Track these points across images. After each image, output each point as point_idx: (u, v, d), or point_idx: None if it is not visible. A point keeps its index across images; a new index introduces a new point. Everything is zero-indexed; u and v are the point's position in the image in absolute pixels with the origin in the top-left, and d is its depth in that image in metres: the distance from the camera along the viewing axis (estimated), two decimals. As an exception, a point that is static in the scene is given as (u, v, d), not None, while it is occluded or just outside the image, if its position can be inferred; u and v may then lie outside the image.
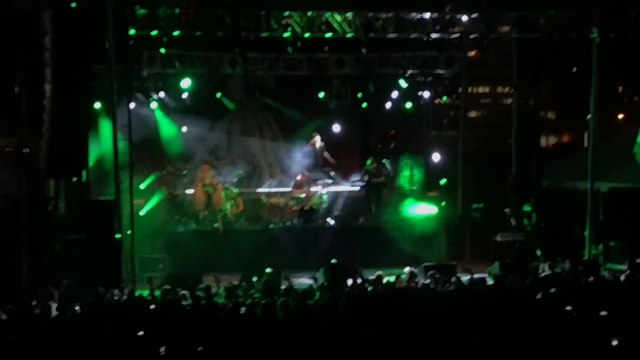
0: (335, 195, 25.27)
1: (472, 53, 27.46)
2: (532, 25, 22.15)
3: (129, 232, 20.13)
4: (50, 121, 18.38)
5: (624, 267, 19.04)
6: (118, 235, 20.01)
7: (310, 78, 24.56)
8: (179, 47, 22.51)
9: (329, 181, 25.09)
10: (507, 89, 34.79)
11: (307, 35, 21.56)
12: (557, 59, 29.07)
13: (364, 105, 25.96)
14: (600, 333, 11.38)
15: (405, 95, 25.65)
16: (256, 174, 26.56)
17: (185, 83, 23.36)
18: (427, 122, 27.75)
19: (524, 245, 22.88)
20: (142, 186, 23.52)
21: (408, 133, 28.01)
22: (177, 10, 20.60)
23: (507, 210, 24.11)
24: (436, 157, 26.20)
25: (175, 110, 24.64)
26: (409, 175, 25.21)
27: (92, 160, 21.28)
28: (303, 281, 19.20)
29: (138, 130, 21.62)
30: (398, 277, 18.01)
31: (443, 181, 25.20)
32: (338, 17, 21.68)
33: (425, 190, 24.91)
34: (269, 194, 25.34)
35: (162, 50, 22.20)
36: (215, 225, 23.37)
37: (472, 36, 22.45)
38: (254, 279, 17.81)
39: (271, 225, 23.98)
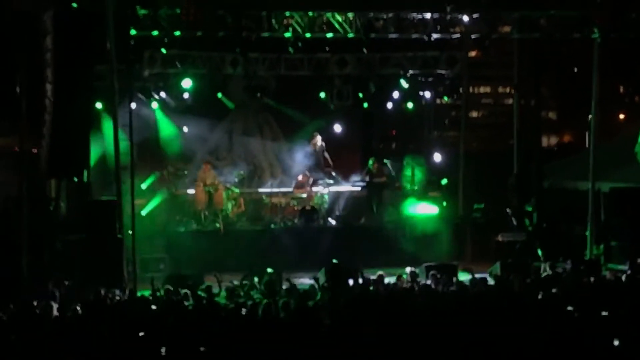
0: (337, 195, 25.25)
1: (473, 53, 27.48)
2: (533, 25, 22.13)
3: (130, 232, 20.12)
4: (51, 121, 18.35)
5: (625, 267, 19.03)
6: (119, 235, 20.01)
7: (312, 78, 24.57)
8: (180, 48, 22.50)
9: (330, 181, 25.08)
10: (508, 89, 34.86)
11: (308, 35, 21.55)
12: (558, 59, 29.12)
13: (365, 105, 25.96)
14: (602, 333, 11.39)
15: (406, 95, 25.65)
16: (257, 174, 26.54)
17: (187, 83, 23.36)
18: (429, 122, 27.78)
19: (525, 245, 22.90)
20: (144, 186, 23.54)
21: (409, 133, 28.03)
22: (178, 11, 20.61)
23: (508, 210, 24.11)
24: (437, 157, 26.19)
25: (177, 110, 24.63)
26: (410, 175, 25.19)
27: (94, 159, 21.29)
28: (304, 281, 19.18)
29: (139, 131, 21.60)
30: (399, 277, 17.99)
31: (444, 181, 25.18)
32: (339, 17, 21.66)
33: (427, 190, 24.89)
34: (270, 194, 25.31)
35: (163, 51, 22.18)
36: (217, 225, 23.37)
37: (473, 36, 22.44)
38: (255, 279, 17.79)
39: (272, 226, 23.98)
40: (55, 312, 14.27)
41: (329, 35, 21.79)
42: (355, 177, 25.35)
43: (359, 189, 25.33)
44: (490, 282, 17.07)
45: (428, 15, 21.88)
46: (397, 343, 11.26)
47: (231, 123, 26.60)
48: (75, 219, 20.69)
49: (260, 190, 25.70)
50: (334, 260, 19.74)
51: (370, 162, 25.02)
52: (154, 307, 14.47)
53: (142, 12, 20.43)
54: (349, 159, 26.57)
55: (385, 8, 21.89)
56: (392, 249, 22.85)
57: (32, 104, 18.98)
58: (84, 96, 18.83)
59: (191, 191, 24.41)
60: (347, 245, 22.87)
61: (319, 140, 25.68)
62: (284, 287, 17.19)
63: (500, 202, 24.49)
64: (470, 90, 32.34)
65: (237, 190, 24.38)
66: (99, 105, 21.87)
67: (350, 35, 21.81)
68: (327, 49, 23.47)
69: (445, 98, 26.59)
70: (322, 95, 25.15)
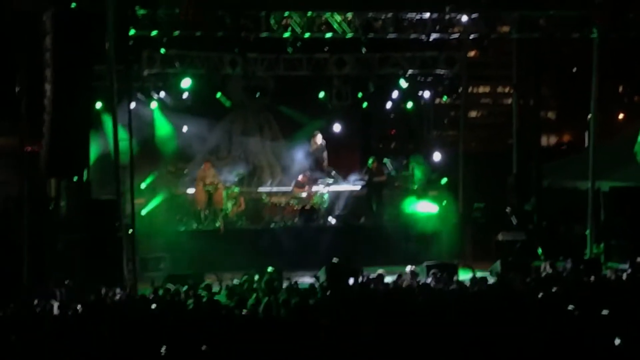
0: (337, 195, 25.25)
1: (472, 53, 27.45)
2: (532, 25, 22.13)
3: (130, 231, 20.12)
4: (50, 121, 18.35)
5: (625, 266, 19.04)
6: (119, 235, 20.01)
7: (311, 78, 24.56)
8: (179, 48, 22.51)
9: (330, 181, 25.09)
10: (507, 89, 34.80)
11: (307, 35, 21.56)
12: (557, 59, 29.10)
13: (365, 105, 25.97)
14: (602, 332, 11.38)
15: (405, 95, 25.64)
16: (256, 173, 26.55)
17: (186, 83, 23.36)
18: (428, 122, 27.78)
19: (525, 244, 22.92)
20: (143, 185, 23.56)
21: (409, 133, 28.03)
22: (177, 11, 20.62)
23: (508, 209, 24.13)
24: (437, 156, 26.20)
25: (176, 110, 24.64)
26: (413, 174, 25.22)
27: (93, 159, 21.28)
28: (304, 280, 19.19)
29: (139, 130, 21.62)
30: (399, 276, 18.00)
31: (444, 181, 25.19)
32: (338, 18, 21.67)
33: (426, 190, 24.90)
34: (270, 194, 25.33)
35: (162, 51, 22.16)
36: (217, 224, 23.39)
37: (472, 36, 22.44)
38: (256, 276, 17.80)
39: (272, 225, 24.01)
40: (55, 312, 14.29)
41: (328, 35, 21.80)
42: (355, 177, 25.36)
43: (358, 188, 25.35)
44: (491, 280, 17.07)
45: (427, 16, 21.88)
46: (397, 342, 11.26)
47: (231, 123, 26.61)
48: (75, 219, 20.67)
49: (260, 189, 25.72)
50: (334, 260, 19.76)
51: (370, 161, 25.04)
52: (154, 306, 14.47)
53: (141, 12, 20.45)
54: (348, 159, 26.59)
55: (384, 8, 21.89)
56: (392, 248, 22.88)
57: (32, 104, 19.00)
58: (83, 96, 18.81)
59: (191, 191, 24.43)
60: (347, 244, 22.90)
61: (319, 139, 25.70)
62: (284, 285, 17.20)
63: (500, 202, 24.52)
64: (470, 90, 32.26)
65: (237, 190, 24.39)
66: (99, 105, 21.89)
67: (349, 35, 21.82)
68: (326, 49, 23.44)
69: (445, 98, 26.56)
70: (321, 95, 25.16)
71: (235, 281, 17.84)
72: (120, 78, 20.28)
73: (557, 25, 22.10)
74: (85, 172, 20.16)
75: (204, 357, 11.13)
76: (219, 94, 24.60)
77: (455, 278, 18.26)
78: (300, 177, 24.98)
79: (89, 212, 20.59)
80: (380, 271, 18.14)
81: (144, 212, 22.76)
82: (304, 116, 26.44)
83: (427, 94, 26.10)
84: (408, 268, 19.15)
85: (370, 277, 17.94)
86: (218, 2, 21.10)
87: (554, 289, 14.56)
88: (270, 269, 18.35)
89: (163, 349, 11.08)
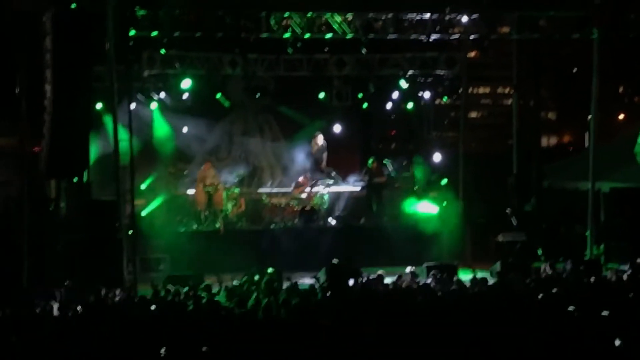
0: (337, 196, 25.27)
1: (472, 54, 27.46)
2: (532, 26, 22.12)
3: (130, 232, 20.12)
4: (51, 122, 18.35)
5: (625, 267, 19.04)
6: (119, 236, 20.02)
7: (311, 79, 24.56)
8: (179, 48, 22.52)
9: (330, 181, 25.09)
10: (507, 90, 34.84)
11: (307, 36, 21.55)
12: (557, 60, 29.12)
13: (365, 105, 25.98)
14: (603, 333, 11.38)
15: (405, 95, 25.66)
16: (257, 174, 26.55)
17: (186, 84, 23.38)
18: (428, 123, 27.79)
19: (526, 245, 22.92)
20: (143, 186, 23.55)
21: (409, 133, 28.03)
22: (177, 11, 20.62)
23: (508, 210, 24.12)
24: (437, 157, 26.20)
25: (176, 110, 24.65)
26: (412, 175, 25.23)
27: (93, 159, 21.27)
28: (305, 281, 19.19)
29: (139, 131, 21.61)
30: (399, 276, 18.00)
31: (444, 181, 25.19)
32: (338, 18, 21.67)
33: (427, 190, 24.90)
34: (270, 194, 25.34)
35: (163, 51, 22.19)
36: (217, 225, 23.39)
37: (472, 37, 22.44)
38: (256, 277, 17.79)
39: (272, 226, 24.00)
40: (55, 313, 14.28)
41: (328, 35, 21.80)
42: (355, 177, 25.37)
43: (358, 189, 25.35)
44: (491, 281, 17.06)
45: (427, 16, 21.87)
46: (397, 343, 11.26)
47: (231, 124, 26.61)
48: (75, 219, 20.68)
49: (260, 190, 25.72)
50: (334, 260, 19.75)
51: (370, 162, 25.04)
52: (154, 307, 14.46)
53: (141, 12, 20.44)
54: (348, 159, 26.58)
55: (384, 9, 21.87)
56: (392, 249, 22.86)
57: (32, 104, 19.00)
58: (83, 96, 18.81)
59: (191, 191, 24.43)
60: (347, 245, 22.89)
61: (320, 139, 25.70)
62: (285, 286, 17.19)
63: (500, 202, 24.51)
64: (470, 90, 32.34)
65: (237, 190, 24.40)
66: (99, 105, 21.89)
67: (349, 35, 21.82)
68: (326, 49, 23.44)
69: (445, 98, 26.58)
70: (322, 95, 25.17)
71: (236, 282, 17.82)
72: (121, 78, 20.29)
73: (557, 25, 22.11)
74: (85, 173, 20.20)
75: (204, 358, 11.12)
76: (219, 95, 24.61)
77: (455, 279, 18.23)
78: (300, 178, 24.99)
79: (89, 212, 20.59)
80: (380, 272, 18.13)
81: (144, 212, 22.75)
82: (304, 117, 26.45)
83: (427, 95, 26.12)
84: (408, 269, 19.15)
85: (370, 277, 17.93)
86: (218, 2, 21.08)
87: (554, 290, 14.55)
88: (270, 269, 18.34)
89: (163, 350, 11.07)
